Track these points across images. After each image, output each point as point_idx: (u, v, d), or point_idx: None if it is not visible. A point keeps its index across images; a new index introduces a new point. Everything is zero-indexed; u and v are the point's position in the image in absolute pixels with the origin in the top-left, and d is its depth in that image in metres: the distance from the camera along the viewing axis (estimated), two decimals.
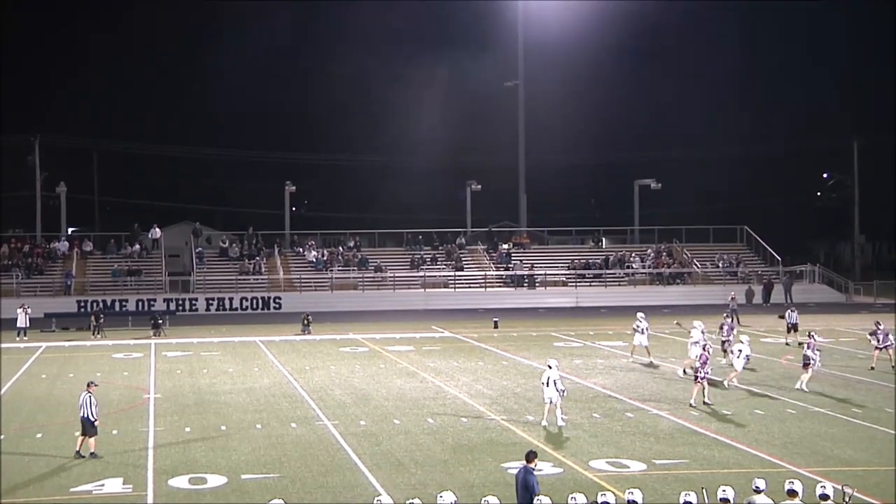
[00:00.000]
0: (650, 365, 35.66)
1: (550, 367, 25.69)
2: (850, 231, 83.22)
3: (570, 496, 13.77)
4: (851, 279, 70.37)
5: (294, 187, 71.79)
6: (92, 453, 22.28)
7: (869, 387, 30.90)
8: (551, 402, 25.37)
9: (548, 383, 25.34)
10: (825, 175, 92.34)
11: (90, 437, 22.44)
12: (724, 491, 13.95)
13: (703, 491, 14.34)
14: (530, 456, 16.36)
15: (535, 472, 16.11)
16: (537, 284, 65.55)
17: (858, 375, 32.86)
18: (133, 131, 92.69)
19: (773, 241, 70.96)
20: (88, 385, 23.26)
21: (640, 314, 37.54)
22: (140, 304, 59.24)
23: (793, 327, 41.87)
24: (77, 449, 22.40)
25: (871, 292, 65.75)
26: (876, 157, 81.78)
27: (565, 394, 25.79)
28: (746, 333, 35.84)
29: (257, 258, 65.63)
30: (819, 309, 57.56)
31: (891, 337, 34.62)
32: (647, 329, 36.86)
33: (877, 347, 34.51)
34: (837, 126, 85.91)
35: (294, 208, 75.34)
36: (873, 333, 34.92)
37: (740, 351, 31.22)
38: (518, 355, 38.83)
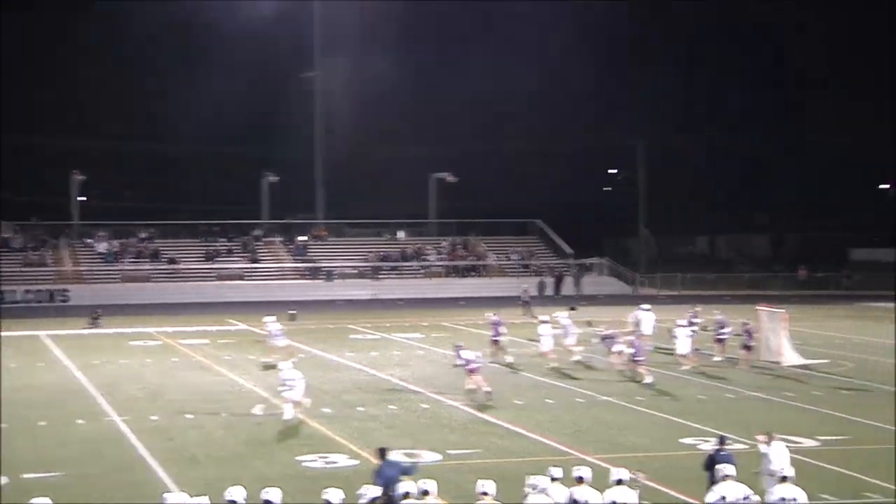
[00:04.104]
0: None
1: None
2: (637, 226, 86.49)
3: (364, 487, 13.81)
4: (638, 272, 73.19)
5: (83, 176, 69.37)
6: None
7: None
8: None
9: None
10: (614, 172, 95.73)
11: None
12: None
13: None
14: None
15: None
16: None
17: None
18: None
19: (565, 234, 73.06)
20: None
21: None
22: None
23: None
24: None
25: (655, 284, 68.54)
26: (662, 156, 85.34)
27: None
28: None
29: (42, 249, 63.09)
30: (608, 300, 59.55)
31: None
32: None
33: None
34: (625, 125, 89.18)
35: (84, 198, 72.66)
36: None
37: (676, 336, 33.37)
38: (315, 347, 38.65)
